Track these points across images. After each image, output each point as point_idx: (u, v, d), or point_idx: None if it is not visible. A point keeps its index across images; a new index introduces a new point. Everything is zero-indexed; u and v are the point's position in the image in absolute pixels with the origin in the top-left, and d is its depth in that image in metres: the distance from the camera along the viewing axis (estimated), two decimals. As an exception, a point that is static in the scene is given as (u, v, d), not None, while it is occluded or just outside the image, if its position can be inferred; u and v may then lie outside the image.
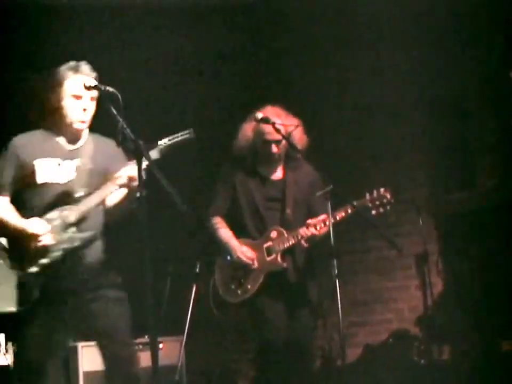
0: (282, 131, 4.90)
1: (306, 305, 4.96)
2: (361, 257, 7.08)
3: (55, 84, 4.18)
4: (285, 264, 4.89)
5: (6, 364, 5.55)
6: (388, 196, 4.77)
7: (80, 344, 5.73)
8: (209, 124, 7.18)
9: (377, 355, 6.35)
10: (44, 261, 4.02)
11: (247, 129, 5.05)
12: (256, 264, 4.92)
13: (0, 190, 4.16)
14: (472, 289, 6.13)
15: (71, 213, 4.10)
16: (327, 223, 4.74)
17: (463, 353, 6.10)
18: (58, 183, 4.13)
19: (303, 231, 4.83)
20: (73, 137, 4.23)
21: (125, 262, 4.35)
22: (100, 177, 4.17)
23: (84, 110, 4.16)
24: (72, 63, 4.20)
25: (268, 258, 4.92)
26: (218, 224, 5.09)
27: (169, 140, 4.12)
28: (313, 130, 5.10)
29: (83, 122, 4.18)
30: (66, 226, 4.09)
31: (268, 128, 4.90)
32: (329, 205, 4.72)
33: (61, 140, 4.22)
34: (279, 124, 4.89)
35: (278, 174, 5.10)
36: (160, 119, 6.71)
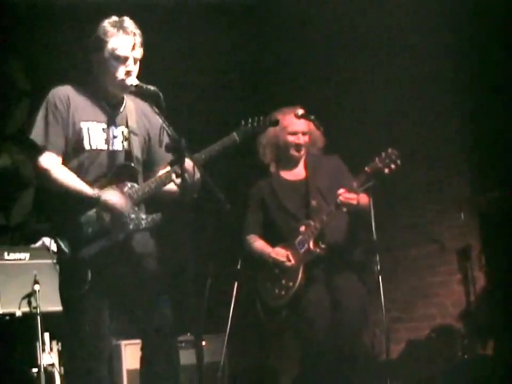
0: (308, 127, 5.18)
1: (351, 292, 4.97)
2: (403, 253, 7.03)
3: (98, 42, 3.97)
4: (318, 250, 4.94)
5: (51, 363, 5.59)
6: (396, 153, 4.88)
7: (123, 343, 5.76)
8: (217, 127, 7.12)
9: (420, 351, 6.31)
10: (105, 243, 3.86)
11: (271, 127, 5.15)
12: (292, 261, 4.97)
13: (51, 149, 3.89)
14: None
15: (134, 190, 3.95)
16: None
17: (507, 348, 6.04)
18: (107, 152, 3.96)
19: (336, 203, 4.92)
20: (115, 101, 4.05)
21: (167, 258, 4.33)
22: (146, 147, 4.08)
23: (128, 73, 3.96)
24: (115, 19, 3.99)
25: (302, 251, 4.97)
26: (252, 240, 5.26)
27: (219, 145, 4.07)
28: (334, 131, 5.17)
29: (127, 86, 3.95)
30: (130, 205, 3.91)
31: (295, 121, 5.13)
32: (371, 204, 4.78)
33: (103, 103, 4.02)
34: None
35: (301, 174, 5.26)
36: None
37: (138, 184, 4.02)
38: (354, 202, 4.88)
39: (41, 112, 3.96)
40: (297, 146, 5.18)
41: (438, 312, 6.86)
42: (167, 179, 4.00)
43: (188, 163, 3.76)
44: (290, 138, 5.16)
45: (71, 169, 3.93)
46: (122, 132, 4.04)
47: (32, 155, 3.98)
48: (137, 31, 3.98)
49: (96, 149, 3.96)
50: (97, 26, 4.02)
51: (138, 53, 3.99)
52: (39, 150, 3.92)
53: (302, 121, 5.14)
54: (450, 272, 6.72)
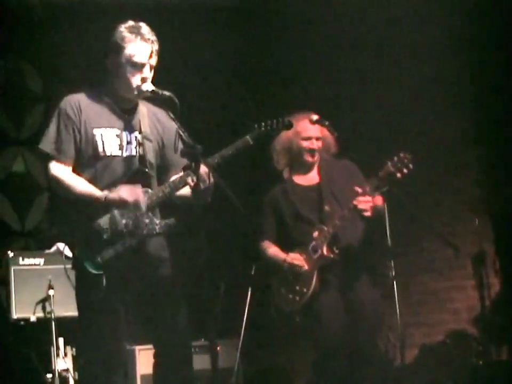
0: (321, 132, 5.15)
1: (365, 297, 4.97)
2: (417, 258, 7.02)
3: (114, 46, 3.96)
4: (332, 255, 4.95)
5: (66, 368, 5.60)
6: (408, 157, 4.86)
7: (137, 348, 5.76)
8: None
9: (434, 356, 6.29)
10: (119, 248, 3.86)
11: (285, 133, 5.13)
12: (306, 266, 4.97)
13: (61, 158, 3.90)
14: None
15: (147, 195, 3.94)
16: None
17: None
18: (121, 157, 3.96)
19: (349, 207, 4.90)
20: (129, 107, 4.04)
21: (182, 263, 4.33)
22: (160, 152, 4.08)
23: (143, 79, 3.95)
24: (132, 24, 3.97)
25: (315, 256, 4.98)
26: (266, 246, 5.25)
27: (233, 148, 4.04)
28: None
29: (142, 91, 3.94)
30: (143, 210, 3.91)
31: (309, 126, 5.10)
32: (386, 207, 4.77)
33: (116, 108, 4.02)
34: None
35: (315, 179, 5.23)
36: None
37: (152, 189, 4.03)
38: (370, 205, 4.87)
39: (53, 121, 3.97)
40: (311, 152, 5.18)
41: (452, 317, 6.84)
42: (181, 183, 4.00)
43: (203, 168, 3.77)
44: (304, 144, 5.17)
45: (87, 176, 3.94)
46: (136, 137, 4.03)
47: (44, 162, 3.99)
48: (154, 38, 3.99)
49: (111, 155, 3.97)
50: (112, 30, 4.01)
51: (154, 60, 4.00)
52: (49, 158, 3.94)
53: (316, 126, 5.13)
54: (465, 277, 6.70)
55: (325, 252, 4.97)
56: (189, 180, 3.90)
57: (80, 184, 3.90)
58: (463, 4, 6.57)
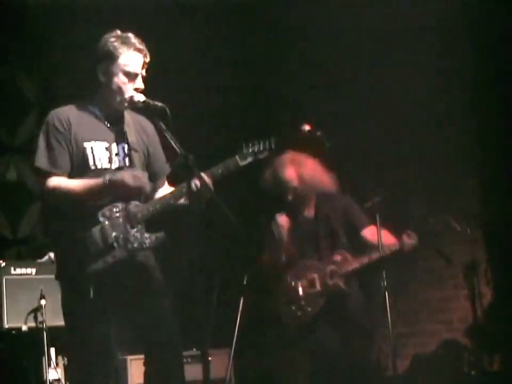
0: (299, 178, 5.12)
1: (364, 336, 4.98)
2: (409, 268, 7.01)
3: (107, 55, 3.92)
4: (347, 289, 4.93)
5: (57, 378, 5.59)
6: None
7: (129, 358, 5.74)
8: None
9: (427, 366, 6.29)
10: (109, 259, 3.81)
11: (267, 175, 5.12)
12: (318, 287, 4.95)
13: (57, 172, 3.86)
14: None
15: (138, 209, 3.91)
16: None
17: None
18: (110, 170, 3.91)
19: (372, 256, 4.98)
20: (116, 117, 4.01)
21: (173, 274, 4.31)
22: (146, 162, 4.05)
23: (136, 89, 3.93)
24: (119, 34, 3.95)
25: (330, 282, 4.95)
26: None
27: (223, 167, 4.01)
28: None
29: (134, 102, 3.92)
30: (132, 223, 3.90)
31: (284, 173, 5.10)
32: (378, 217, 4.76)
33: (104, 120, 3.99)
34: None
35: (310, 212, 5.24)
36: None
37: (141, 200, 4.00)
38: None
39: (43, 137, 3.93)
40: (290, 191, 5.15)
41: (444, 327, 6.84)
42: (171, 199, 3.97)
43: (195, 180, 3.77)
44: (281, 187, 5.16)
45: None
46: (123, 148, 4.00)
47: (39, 178, 3.95)
48: (146, 50, 3.97)
49: (101, 168, 3.94)
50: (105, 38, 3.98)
51: (144, 71, 4.00)
52: (45, 175, 3.90)
53: (291, 169, 5.10)
54: (457, 287, 6.71)
55: (341, 282, 4.96)
56: (192, 184, 3.84)
57: (79, 182, 3.86)
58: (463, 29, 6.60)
